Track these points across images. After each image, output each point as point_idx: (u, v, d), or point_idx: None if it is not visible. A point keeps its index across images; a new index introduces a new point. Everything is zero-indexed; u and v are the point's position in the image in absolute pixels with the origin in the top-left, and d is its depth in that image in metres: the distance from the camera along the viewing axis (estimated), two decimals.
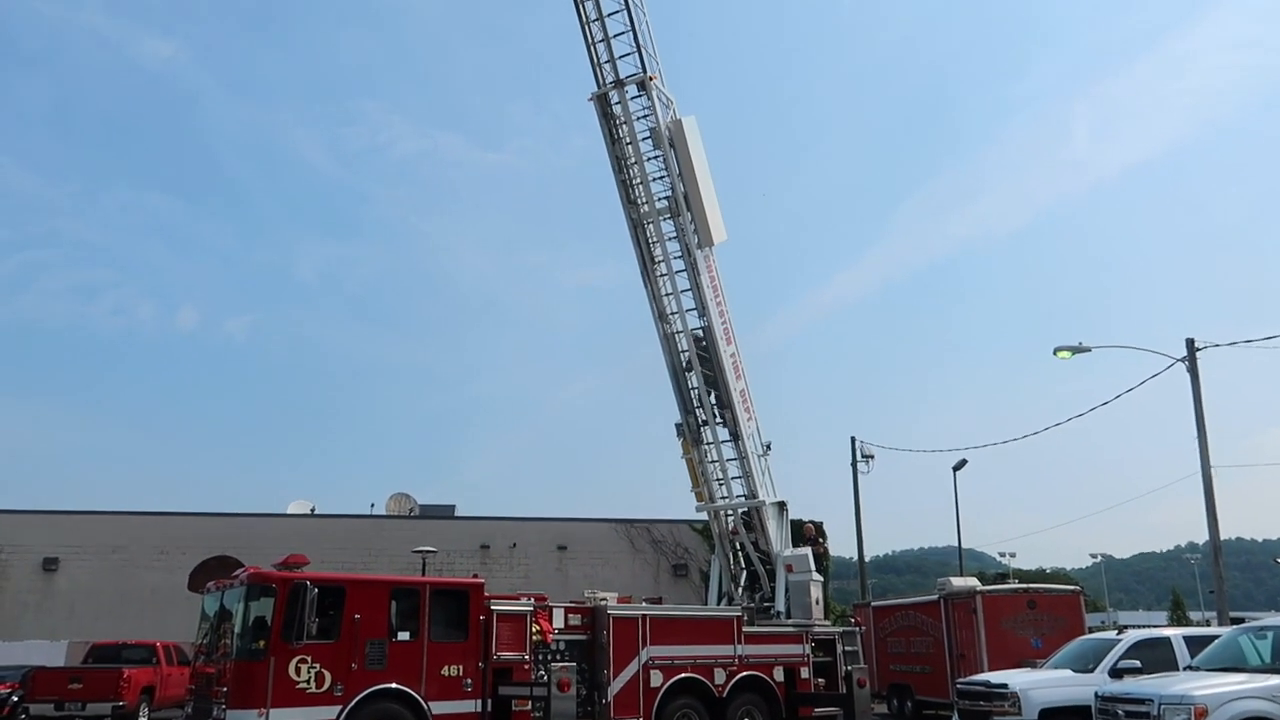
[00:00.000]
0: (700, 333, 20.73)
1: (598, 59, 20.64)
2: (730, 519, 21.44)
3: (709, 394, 20.91)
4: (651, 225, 20.76)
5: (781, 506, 21.18)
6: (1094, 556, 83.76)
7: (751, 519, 20.98)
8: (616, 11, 20.31)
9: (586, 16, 20.49)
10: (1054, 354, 24.94)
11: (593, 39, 20.57)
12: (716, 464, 21.11)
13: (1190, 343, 23.92)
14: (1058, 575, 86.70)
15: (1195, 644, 14.87)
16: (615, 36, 20.39)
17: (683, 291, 20.79)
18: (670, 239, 20.70)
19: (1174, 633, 16.49)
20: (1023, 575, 57.02)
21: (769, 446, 21.41)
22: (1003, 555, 62.15)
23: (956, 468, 38.29)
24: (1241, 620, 19.83)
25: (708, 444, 21.05)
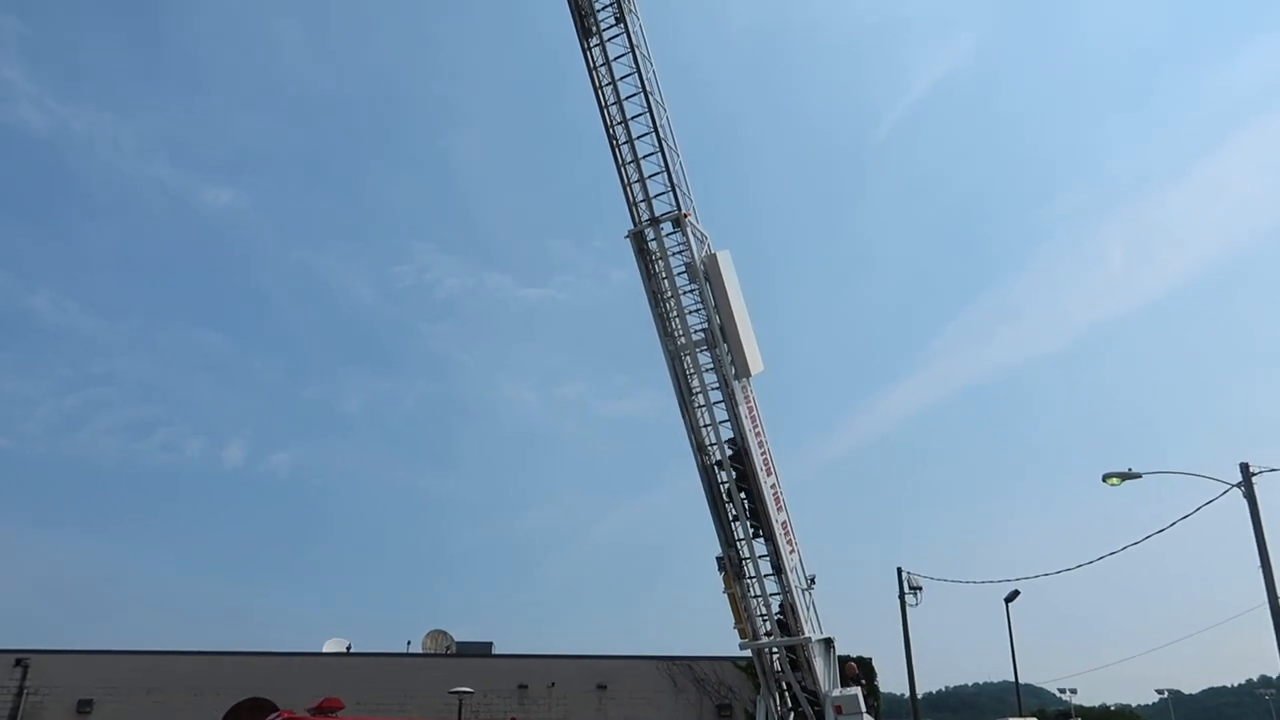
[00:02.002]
0: (739, 465, 20.56)
1: (633, 198, 21.30)
2: (775, 656, 20.75)
3: (750, 527, 20.58)
4: (689, 357, 20.94)
5: (828, 644, 20.50)
6: (1161, 692, 79.50)
7: (797, 656, 20.29)
8: (651, 154, 21.07)
9: (622, 159, 21.26)
10: (1103, 481, 24.33)
11: (628, 180, 21.28)
12: (759, 599, 20.59)
13: (1245, 467, 23.24)
14: (1123, 713, 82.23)
15: None
16: (650, 177, 21.09)
17: (721, 423, 20.78)
18: (707, 370, 20.83)
19: None
20: (1085, 713, 54.14)
21: (813, 580, 20.92)
22: (1063, 691, 59.25)
23: (1009, 599, 36.95)
24: None
25: (750, 578, 20.59)
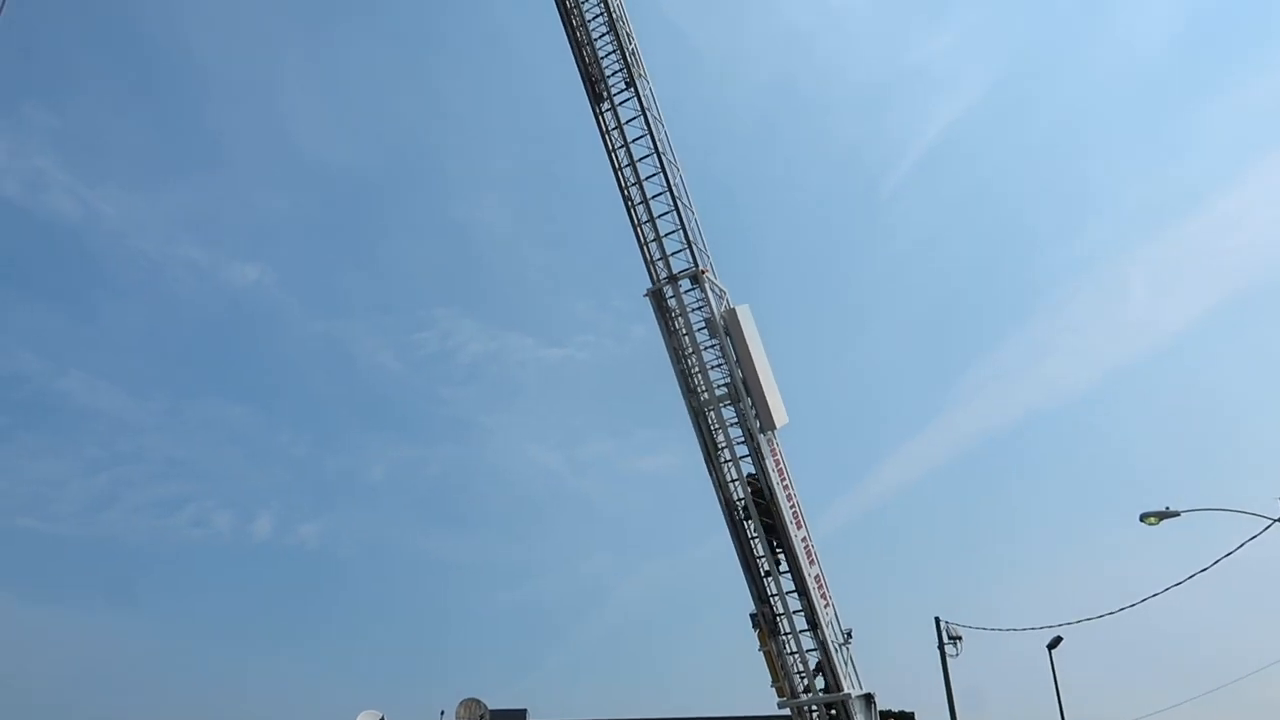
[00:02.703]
0: (768, 519, 20.38)
1: (650, 257, 21.49)
2: (815, 714, 20.30)
3: (782, 581, 20.31)
4: (712, 412, 20.90)
5: (869, 699, 20.06)
6: None
7: (838, 713, 19.85)
8: (666, 213, 21.32)
9: (638, 219, 21.52)
10: (1141, 520, 23.90)
11: (645, 239, 21.50)
12: (796, 655, 20.24)
13: None
14: None
15: None
16: (666, 235, 21.31)
17: (748, 477, 20.63)
18: (732, 425, 20.76)
19: None
20: None
21: (850, 634, 20.54)
22: None
23: (1051, 645, 36.02)
24: None
25: (785, 634, 20.26)
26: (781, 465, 20.89)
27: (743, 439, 20.70)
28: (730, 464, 20.78)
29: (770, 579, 20.40)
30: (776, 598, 20.33)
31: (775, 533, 20.27)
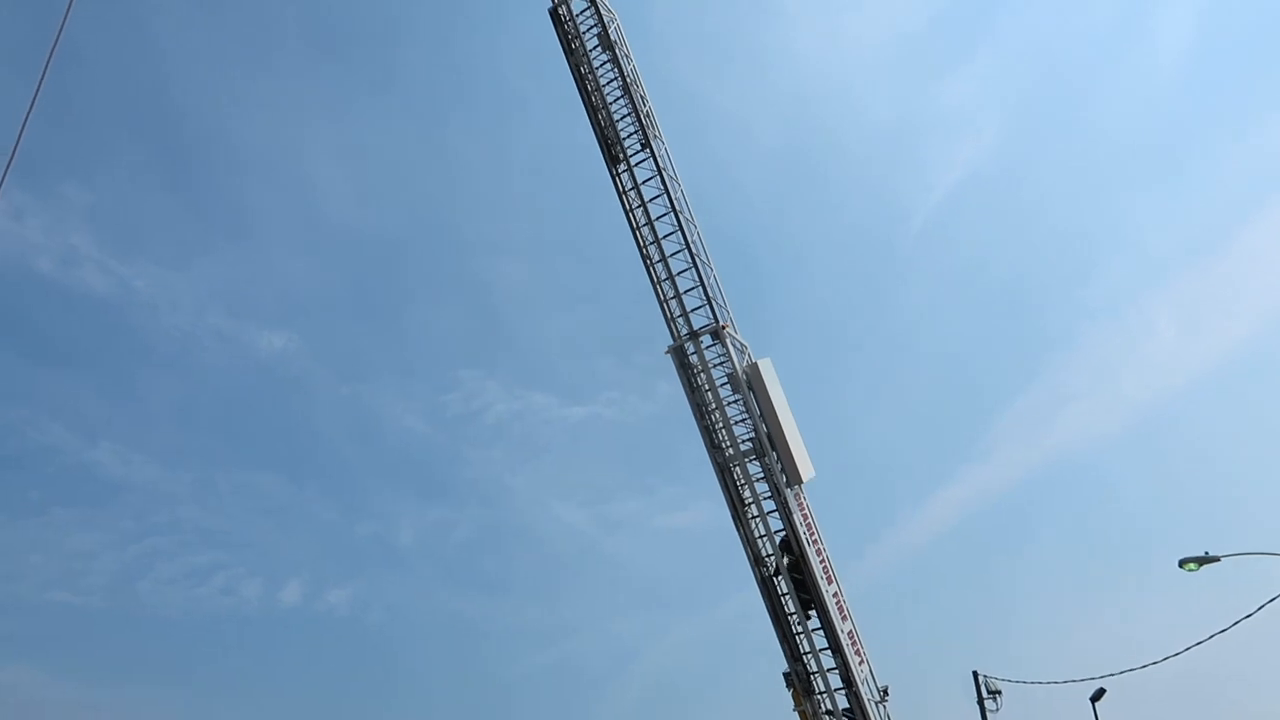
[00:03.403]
0: (798, 575, 20.13)
1: (671, 314, 21.60)
2: None
3: (815, 638, 19.98)
4: (738, 468, 20.79)
5: None
6: None
7: None
8: (685, 270, 21.48)
9: (657, 277, 21.68)
10: (1180, 566, 23.39)
11: (664, 296, 21.64)
12: (832, 715, 19.81)
13: None
14: None
15: None
16: (686, 292, 21.45)
17: (777, 532, 20.44)
18: (758, 480, 20.63)
19: None
20: None
21: (886, 691, 20.11)
22: None
23: (1094, 698, 35.10)
24: None
25: (820, 693, 19.87)
26: (809, 519, 20.68)
27: (769, 494, 20.55)
28: (758, 520, 20.61)
29: (803, 636, 20.08)
30: (810, 655, 19.98)
31: (806, 589, 20.01)
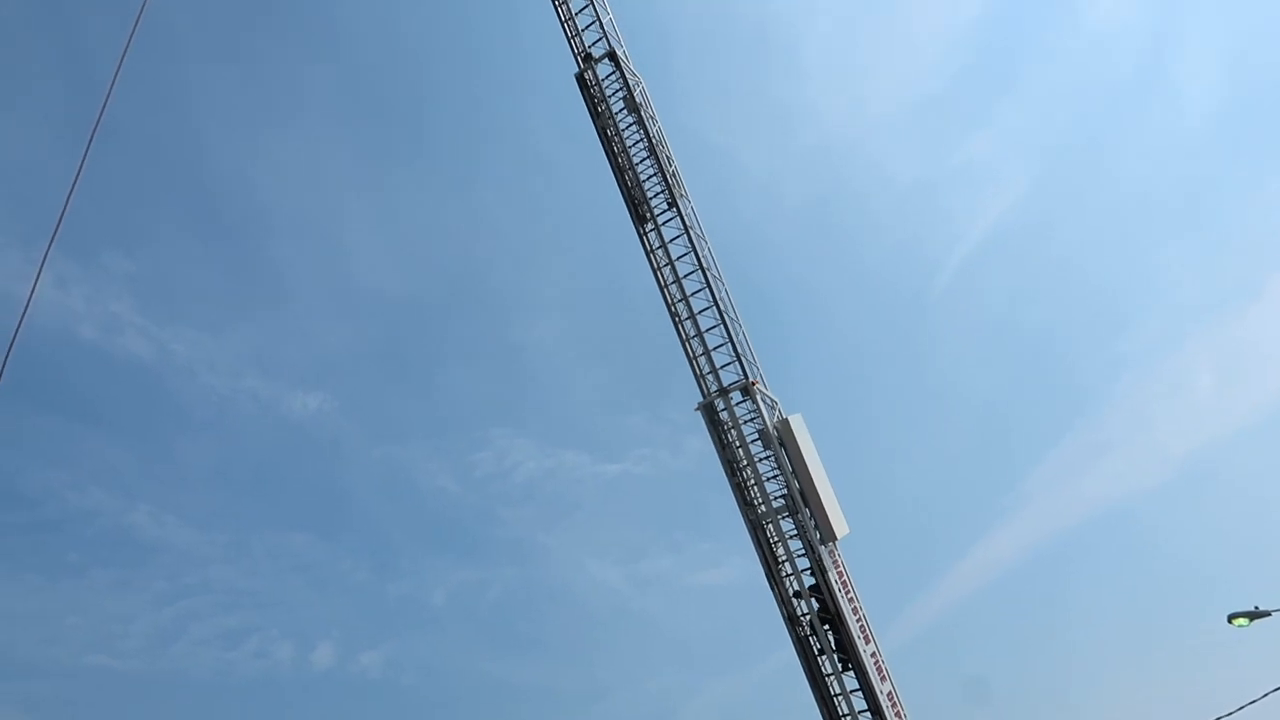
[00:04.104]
0: (835, 634, 19.77)
1: (700, 371, 21.61)
2: None
3: (854, 700, 19.54)
4: (771, 525, 20.58)
5: None
6: None
7: None
8: (714, 326, 21.54)
9: (685, 334, 21.75)
10: (1229, 622, 22.72)
11: (693, 353, 21.67)
12: None
13: None
14: None
15: None
16: (715, 349, 21.49)
17: (811, 590, 20.13)
18: (792, 537, 20.39)
19: None
20: None
21: None
22: None
23: None
24: None
25: None
26: (845, 577, 20.38)
27: (803, 551, 20.30)
28: (792, 578, 20.33)
29: (840, 698, 19.65)
30: (848, 718, 19.52)
31: (843, 648, 19.63)
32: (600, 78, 22.88)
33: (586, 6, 23.13)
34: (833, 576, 19.95)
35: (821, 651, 19.82)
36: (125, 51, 16.57)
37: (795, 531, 20.40)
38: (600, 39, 22.99)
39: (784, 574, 20.45)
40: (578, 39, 23.22)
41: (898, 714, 19.52)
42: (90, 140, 14.97)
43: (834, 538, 20.36)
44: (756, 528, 20.77)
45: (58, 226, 13.54)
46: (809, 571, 20.21)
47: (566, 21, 23.34)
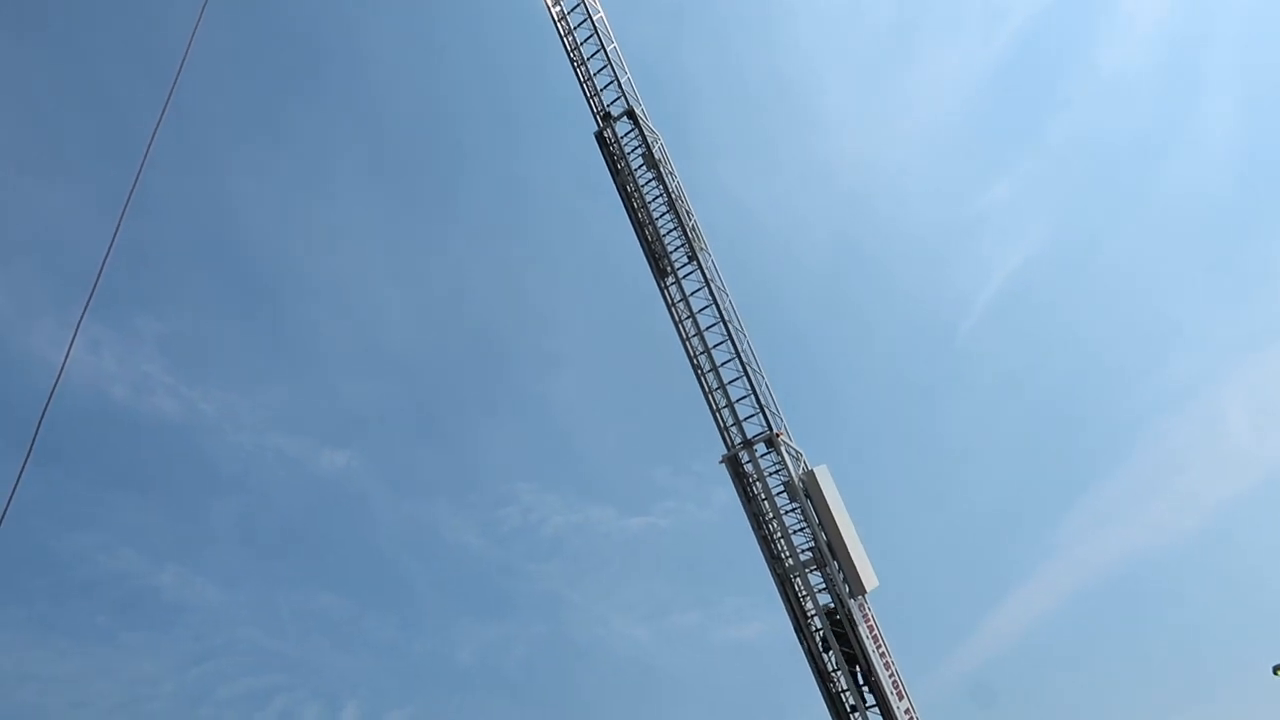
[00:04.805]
0: (868, 690, 19.37)
1: (724, 423, 21.55)
2: None
3: None
4: (799, 579, 20.32)
5: None
6: None
7: None
8: (736, 378, 21.53)
9: (709, 386, 21.74)
10: (1274, 673, 22.12)
11: (716, 406, 21.64)
12: None
13: None
14: None
15: None
16: (738, 401, 21.44)
17: (842, 648, 19.77)
18: (820, 591, 20.11)
19: None
20: None
21: None
22: None
23: None
24: None
25: None
26: (876, 631, 20.02)
27: (833, 605, 19.99)
28: (822, 633, 20.00)
29: None
30: None
31: (875, 703, 19.21)
32: (619, 135, 23.23)
33: (605, 67, 23.59)
34: (863, 631, 19.62)
35: (855, 709, 19.42)
36: (159, 122, 17.06)
37: (824, 585, 20.13)
38: (619, 98, 23.41)
39: (814, 629, 20.14)
40: (597, 98, 23.64)
41: None
42: (124, 208, 15.37)
43: (863, 591, 20.06)
44: (784, 582, 20.51)
45: (90, 296, 13.88)
46: (839, 625, 19.88)
47: (586, 82, 23.79)
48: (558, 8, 24.29)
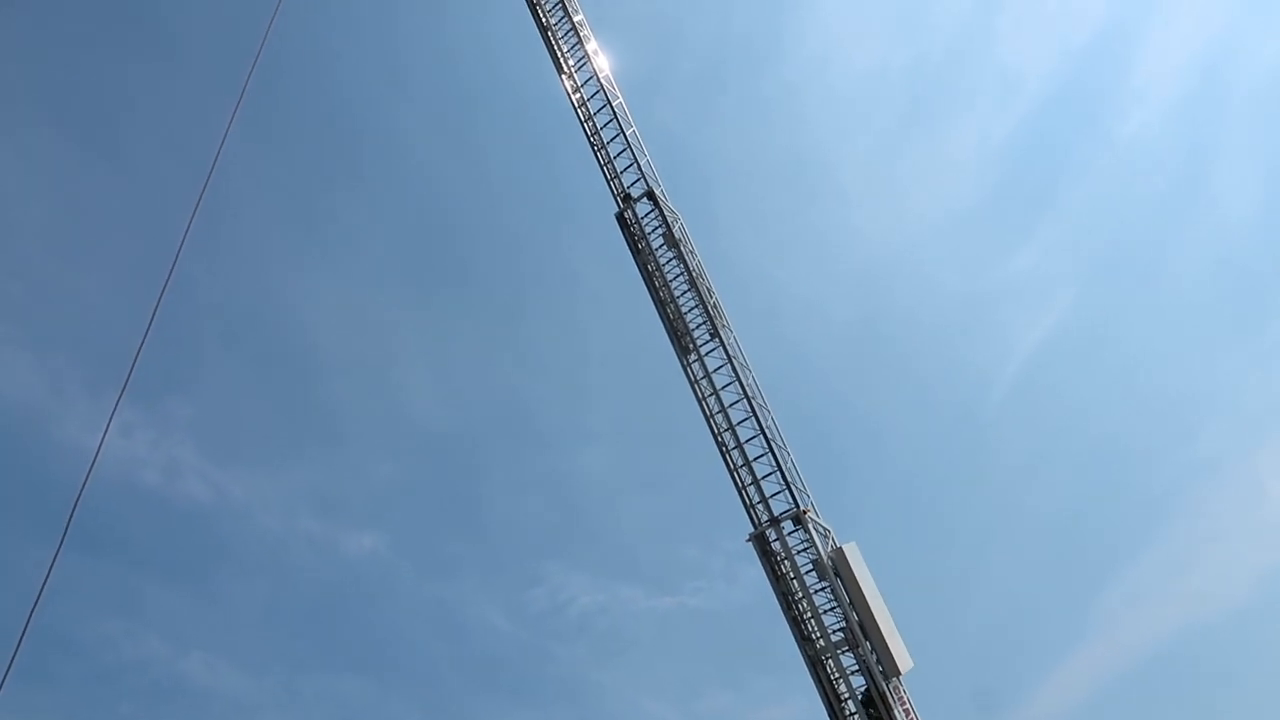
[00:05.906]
0: None
1: (750, 501, 21.34)
2: None
3: None
4: (830, 660, 19.85)
5: None
6: None
7: None
8: (761, 455, 21.36)
9: (734, 463, 21.60)
10: None
11: (742, 483, 21.45)
12: None
13: None
14: None
15: None
16: (764, 478, 21.25)
17: None
18: (853, 673, 19.62)
19: None
20: None
21: None
22: None
23: None
24: None
25: None
26: (912, 714, 19.45)
27: (866, 687, 19.48)
28: (855, 716, 19.44)
29: None
30: None
31: None
32: (640, 216, 23.57)
33: (625, 150, 24.06)
34: (899, 713, 19.07)
35: None
36: (195, 211, 17.54)
37: (856, 666, 19.64)
38: (639, 179, 23.82)
39: (848, 713, 19.59)
40: (617, 181, 24.07)
41: None
42: (161, 296, 15.73)
43: (898, 673, 19.55)
44: (815, 663, 20.04)
45: (124, 387, 14.11)
46: (873, 708, 19.34)
47: (606, 165, 24.25)
48: (578, 95, 24.92)
